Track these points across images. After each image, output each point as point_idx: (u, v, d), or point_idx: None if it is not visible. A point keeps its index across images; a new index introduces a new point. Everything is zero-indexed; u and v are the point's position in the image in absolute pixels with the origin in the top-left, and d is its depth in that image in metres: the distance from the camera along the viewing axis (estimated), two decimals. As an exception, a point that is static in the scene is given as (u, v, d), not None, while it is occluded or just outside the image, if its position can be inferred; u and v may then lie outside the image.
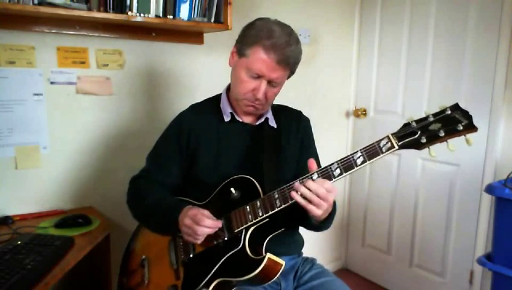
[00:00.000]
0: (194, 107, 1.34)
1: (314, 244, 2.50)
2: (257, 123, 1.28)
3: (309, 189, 0.96)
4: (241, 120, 1.27)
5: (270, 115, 1.29)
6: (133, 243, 1.33)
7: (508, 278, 1.58)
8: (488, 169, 1.97)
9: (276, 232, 1.10)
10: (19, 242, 1.22)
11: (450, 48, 2.10)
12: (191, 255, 1.15)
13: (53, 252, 1.18)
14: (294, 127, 1.32)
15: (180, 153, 1.25)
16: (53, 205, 1.63)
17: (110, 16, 1.45)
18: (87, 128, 1.68)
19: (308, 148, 1.33)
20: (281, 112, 1.35)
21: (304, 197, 0.97)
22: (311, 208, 0.98)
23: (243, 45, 1.16)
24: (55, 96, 1.59)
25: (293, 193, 0.98)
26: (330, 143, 2.56)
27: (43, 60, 1.54)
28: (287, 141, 1.29)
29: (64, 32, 1.55)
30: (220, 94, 1.33)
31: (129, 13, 1.48)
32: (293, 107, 1.40)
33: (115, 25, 1.62)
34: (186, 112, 1.32)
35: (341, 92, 2.61)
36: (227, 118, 1.25)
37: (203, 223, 1.04)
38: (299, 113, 1.38)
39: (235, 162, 1.23)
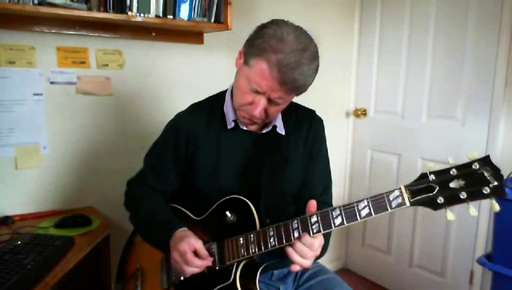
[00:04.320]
0: (194, 108, 1.23)
1: (314, 244, 2.50)
2: (263, 131, 1.15)
3: (295, 251, 0.94)
4: (245, 128, 1.14)
5: (279, 122, 1.16)
6: (130, 248, 1.29)
7: (508, 278, 1.58)
8: (488, 169, 1.96)
9: (269, 263, 1.05)
10: (19, 242, 1.21)
11: (450, 48, 2.10)
12: (182, 278, 1.10)
13: (53, 252, 1.17)
14: (305, 129, 1.20)
15: (178, 159, 1.18)
16: (53, 205, 1.63)
17: (110, 16, 1.45)
18: (87, 128, 1.68)
19: (317, 157, 1.22)
20: (292, 111, 1.20)
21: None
22: (302, 265, 0.96)
23: (248, 52, 1.01)
24: (55, 96, 1.59)
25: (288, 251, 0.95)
26: (330, 143, 2.54)
27: (43, 60, 1.54)
28: (295, 146, 1.18)
29: (64, 32, 1.55)
30: (223, 93, 1.22)
31: (129, 13, 1.48)
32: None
33: (115, 25, 1.62)
34: (184, 114, 1.22)
35: (341, 92, 2.61)
36: (230, 126, 1.14)
37: (191, 264, 1.00)
38: (311, 113, 1.25)
39: (234, 175, 1.14)
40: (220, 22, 1.71)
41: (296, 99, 1.19)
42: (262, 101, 1.02)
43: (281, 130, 1.16)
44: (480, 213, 2.02)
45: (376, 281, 2.61)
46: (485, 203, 1.98)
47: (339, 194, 2.72)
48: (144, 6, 1.51)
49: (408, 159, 2.33)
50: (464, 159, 0.80)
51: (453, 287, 2.18)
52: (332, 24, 2.46)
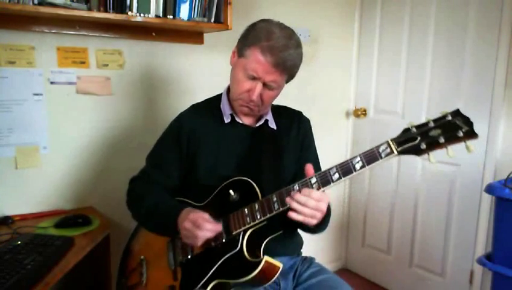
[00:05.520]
0: (194, 108, 1.34)
1: (313, 245, 2.49)
2: (257, 125, 1.28)
3: (298, 202, 0.97)
4: (241, 122, 1.26)
5: (270, 117, 1.29)
6: (132, 243, 1.33)
7: (508, 278, 1.58)
8: (488, 169, 1.97)
9: (274, 235, 1.10)
10: (19, 242, 1.22)
11: (450, 48, 2.10)
12: (189, 257, 1.15)
13: (53, 252, 1.18)
14: (294, 128, 1.32)
15: (180, 155, 1.25)
16: (53, 205, 1.63)
17: (110, 16, 1.45)
18: (87, 128, 1.68)
19: (308, 149, 1.33)
20: (281, 112, 1.35)
21: (299, 213, 0.98)
22: (308, 221, 0.99)
23: (242, 45, 1.16)
24: (55, 96, 1.58)
25: (290, 213, 0.98)
26: (330, 143, 2.56)
27: (43, 60, 1.54)
28: (287, 142, 1.30)
29: (64, 32, 1.55)
30: (220, 94, 1.33)
31: (129, 13, 1.48)
32: (293, 108, 1.40)
33: (115, 25, 1.62)
34: (185, 113, 1.32)
35: (341, 92, 2.61)
36: (227, 120, 1.25)
37: (203, 227, 1.04)
38: (299, 114, 1.37)
39: (234, 165, 1.23)
40: (220, 22, 1.71)
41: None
42: (258, 86, 1.15)
43: (272, 124, 1.29)
44: (480, 213, 2.02)
45: (376, 281, 2.61)
46: (485, 203, 1.98)
47: (338, 194, 2.72)
48: (144, 6, 1.51)
49: (408, 158, 2.32)
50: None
51: (453, 287, 2.18)
52: (332, 24, 2.46)
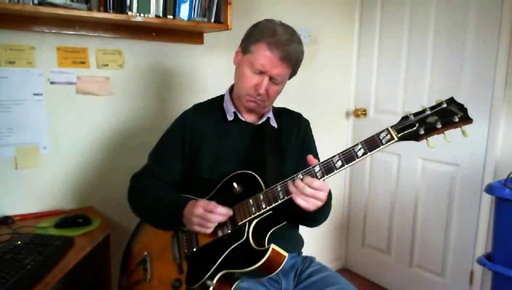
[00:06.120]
0: (197, 107, 1.36)
1: (314, 244, 2.50)
2: (259, 122, 1.30)
3: (296, 187, 1.01)
4: (243, 119, 1.29)
5: (271, 115, 1.32)
6: (134, 241, 1.34)
7: (508, 278, 1.58)
8: (488, 169, 1.97)
9: (278, 226, 1.12)
10: (19, 242, 1.21)
11: (450, 48, 2.10)
12: (194, 249, 1.16)
13: (53, 252, 1.18)
14: (295, 128, 1.35)
15: (183, 152, 1.27)
16: (53, 205, 1.63)
17: (110, 16, 1.45)
18: (87, 128, 1.68)
19: (309, 148, 1.35)
20: (282, 113, 1.38)
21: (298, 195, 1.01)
22: (307, 207, 1.02)
23: (247, 43, 1.21)
24: (55, 96, 1.58)
25: (293, 196, 1.02)
26: (330, 143, 2.56)
27: (43, 60, 1.54)
28: (287, 141, 1.32)
29: (64, 32, 1.55)
30: (222, 95, 1.35)
31: (129, 13, 1.48)
32: (293, 109, 1.43)
33: (115, 25, 1.62)
34: (189, 112, 1.34)
35: (341, 92, 2.61)
36: (230, 117, 1.28)
37: (216, 211, 1.07)
38: (298, 115, 1.41)
39: (236, 160, 1.25)
40: (220, 22, 1.71)
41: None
42: (265, 80, 1.19)
43: (273, 122, 1.32)
44: (480, 213, 2.02)
45: (376, 281, 2.61)
46: (485, 203, 1.98)
47: (339, 194, 2.72)
48: (143, 6, 1.51)
49: (408, 159, 2.33)
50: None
51: (453, 287, 2.18)
52: (332, 24, 2.46)
